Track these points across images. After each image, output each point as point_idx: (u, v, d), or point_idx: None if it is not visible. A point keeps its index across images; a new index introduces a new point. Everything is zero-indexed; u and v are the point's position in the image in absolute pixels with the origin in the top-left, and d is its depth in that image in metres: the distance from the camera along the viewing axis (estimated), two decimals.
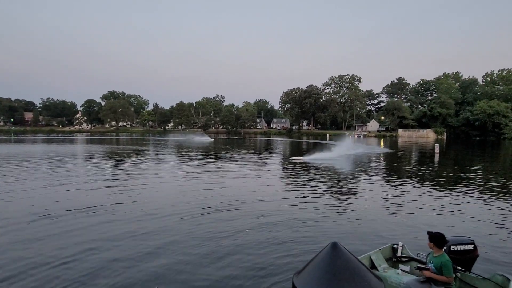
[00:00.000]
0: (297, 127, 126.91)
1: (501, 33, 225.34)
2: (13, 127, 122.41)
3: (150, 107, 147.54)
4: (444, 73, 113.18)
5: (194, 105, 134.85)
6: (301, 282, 2.11)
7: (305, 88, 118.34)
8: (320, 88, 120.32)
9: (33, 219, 8.48)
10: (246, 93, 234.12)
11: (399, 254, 5.10)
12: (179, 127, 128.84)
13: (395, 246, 5.19)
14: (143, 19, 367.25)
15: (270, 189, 13.35)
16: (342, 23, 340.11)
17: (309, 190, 12.80)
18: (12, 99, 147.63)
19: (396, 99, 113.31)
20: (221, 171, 18.83)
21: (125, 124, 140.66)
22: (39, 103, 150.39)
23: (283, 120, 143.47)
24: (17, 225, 7.98)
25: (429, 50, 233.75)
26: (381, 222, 8.59)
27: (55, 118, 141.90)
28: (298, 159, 23.80)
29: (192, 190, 12.66)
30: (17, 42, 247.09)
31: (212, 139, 63.02)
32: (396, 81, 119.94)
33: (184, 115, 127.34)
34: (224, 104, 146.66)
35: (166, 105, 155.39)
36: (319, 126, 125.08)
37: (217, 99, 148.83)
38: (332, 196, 11.87)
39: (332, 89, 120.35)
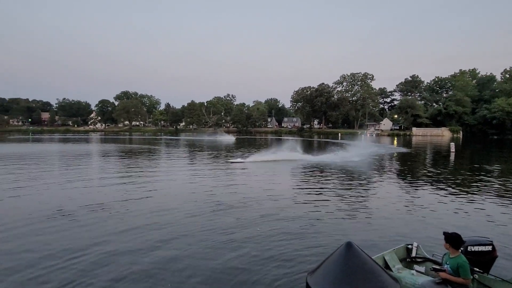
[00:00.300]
0: (308, 126, 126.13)
1: (501, 33, 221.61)
2: (31, 127, 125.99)
3: (162, 106, 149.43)
4: (460, 70, 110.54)
5: (205, 104, 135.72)
6: (315, 281, 2.10)
7: (316, 87, 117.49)
8: (332, 86, 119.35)
9: (49, 215, 8.71)
10: (256, 93, 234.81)
11: (413, 254, 5.00)
12: (191, 126, 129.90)
13: (409, 246, 5.09)
14: (143, 19, 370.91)
15: (282, 187, 13.34)
16: (342, 23, 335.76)
17: (321, 189, 12.70)
18: (30, 99, 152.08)
19: (410, 97, 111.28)
20: (232, 168, 18.89)
21: (137, 123, 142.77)
22: (55, 104, 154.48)
23: (294, 119, 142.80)
24: (35, 220, 8.22)
25: (429, 50, 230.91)
26: (395, 221, 8.45)
27: (71, 118, 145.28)
28: (239, 161, 22.38)
29: (204, 188, 12.75)
30: (32, 44, 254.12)
31: (235, 138, 61.55)
32: (409, 78, 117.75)
33: (195, 115, 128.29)
34: (235, 103, 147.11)
35: (177, 104, 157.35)
36: (331, 125, 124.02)
37: (228, 98, 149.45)
38: (345, 195, 11.74)
39: (344, 88, 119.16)
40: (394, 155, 30.71)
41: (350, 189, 12.97)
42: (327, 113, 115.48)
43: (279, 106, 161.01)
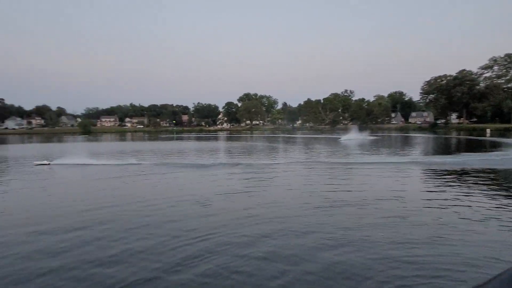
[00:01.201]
0: (443, 120, 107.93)
1: (500, 32, 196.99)
2: (175, 128, 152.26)
3: (279, 106, 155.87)
4: None
5: (322, 101, 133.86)
6: None
7: (454, 75, 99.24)
8: (477, 72, 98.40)
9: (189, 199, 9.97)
10: (379, 86, 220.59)
11: None
12: (307, 124, 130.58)
13: None
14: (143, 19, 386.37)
15: (409, 187, 11.55)
16: (342, 23, 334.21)
17: (459, 195, 10.25)
18: (174, 105, 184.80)
19: None
20: (353, 167, 17.64)
21: (257, 122, 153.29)
22: (192, 107, 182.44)
23: (425, 114, 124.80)
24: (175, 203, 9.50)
25: (429, 50, 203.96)
26: None
27: (203, 119, 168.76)
28: (44, 163, 19.12)
29: (321, 183, 12.31)
30: (173, 56, 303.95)
31: (371, 138, 49.75)
32: None
33: (312, 112, 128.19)
34: (354, 99, 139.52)
35: (294, 103, 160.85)
36: (475, 119, 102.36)
37: (345, 94, 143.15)
38: (496, 204, 9.07)
39: (495, 73, 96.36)
40: None
41: (500, 197, 9.99)
42: (470, 105, 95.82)
43: (405, 99, 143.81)
